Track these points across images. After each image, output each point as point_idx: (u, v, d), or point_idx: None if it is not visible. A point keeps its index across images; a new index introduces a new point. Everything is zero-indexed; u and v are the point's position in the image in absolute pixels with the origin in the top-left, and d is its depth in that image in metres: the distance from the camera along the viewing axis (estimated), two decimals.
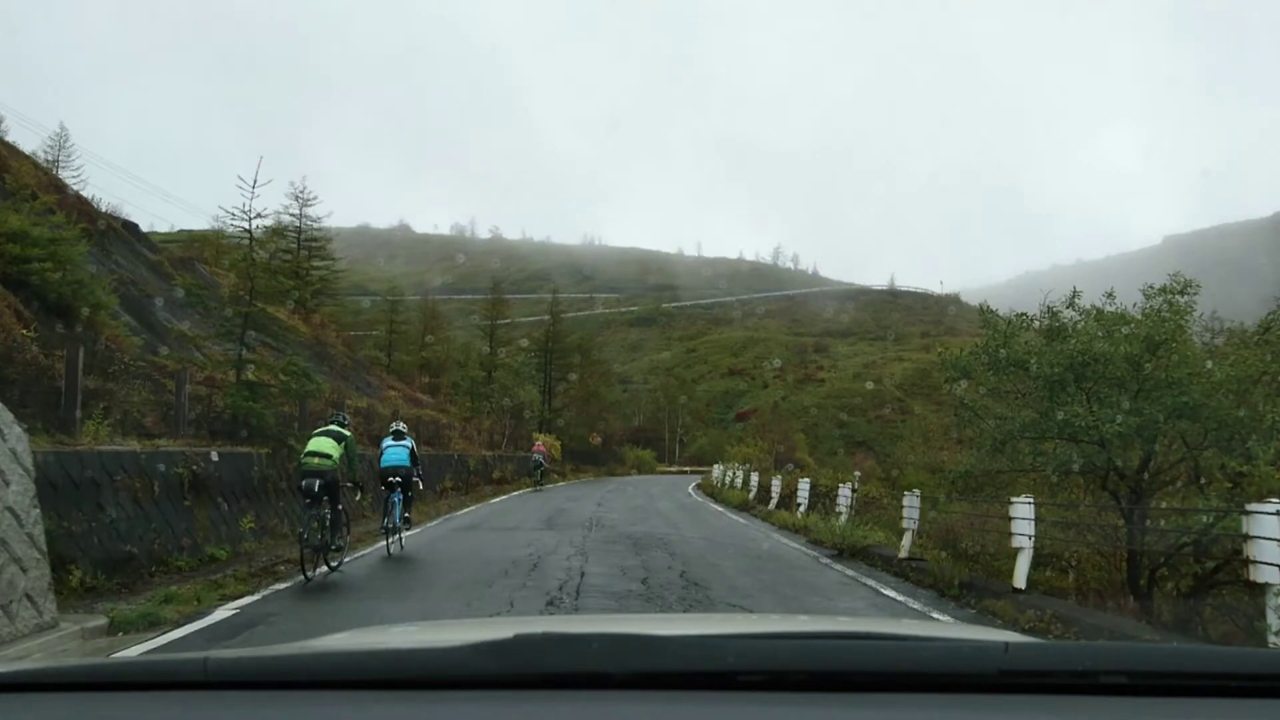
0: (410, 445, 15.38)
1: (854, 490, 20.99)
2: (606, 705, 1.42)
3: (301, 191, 50.97)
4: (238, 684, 1.55)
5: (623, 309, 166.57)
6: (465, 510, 23.70)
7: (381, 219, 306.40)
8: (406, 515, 15.56)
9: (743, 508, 30.10)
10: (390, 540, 14.90)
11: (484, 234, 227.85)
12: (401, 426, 15.87)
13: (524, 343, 68.06)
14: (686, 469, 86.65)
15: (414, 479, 15.40)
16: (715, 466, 51.17)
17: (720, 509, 30.38)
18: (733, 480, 38.92)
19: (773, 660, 1.53)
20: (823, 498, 23.67)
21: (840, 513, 19.92)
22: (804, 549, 17.41)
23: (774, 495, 28.95)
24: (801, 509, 23.59)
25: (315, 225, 51.75)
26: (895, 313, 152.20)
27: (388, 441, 15.59)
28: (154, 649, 7.95)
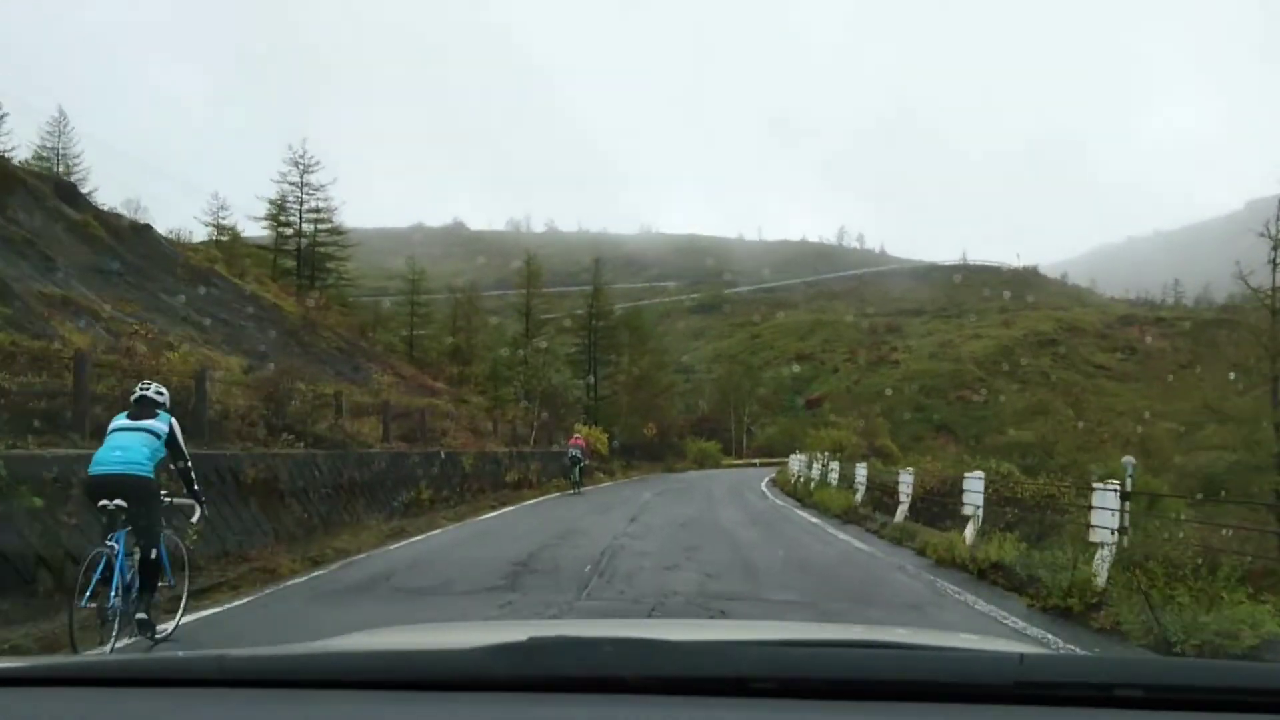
0: (162, 429, 7.35)
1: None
2: (619, 709, 1.41)
3: (302, 156, 43.91)
4: (252, 682, 1.55)
5: (681, 297, 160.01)
6: (408, 541, 14.59)
7: (435, 218, 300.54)
8: (150, 591, 7.29)
9: (849, 518, 21.21)
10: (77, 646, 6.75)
11: (539, 228, 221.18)
12: (152, 391, 7.57)
13: (567, 322, 59.76)
14: (755, 460, 78.66)
15: (158, 500, 7.31)
16: (793, 457, 42.87)
17: (814, 519, 22.04)
18: (823, 475, 30.10)
19: (786, 667, 1.52)
20: (1003, 507, 15.01)
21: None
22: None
23: (903, 499, 19.15)
24: (970, 531, 14.02)
25: (321, 197, 44.60)
26: (969, 289, 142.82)
27: (117, 423, 7.37)
28: None
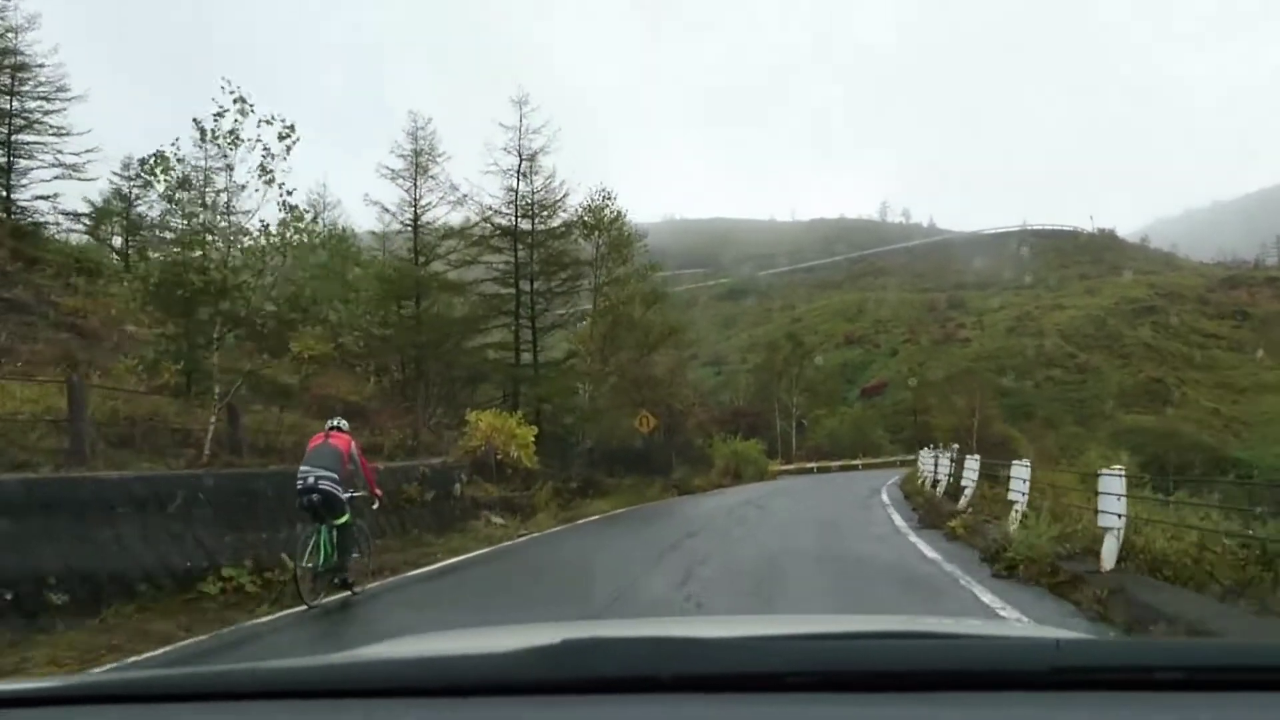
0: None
1: None
2: (655, 709, 1.40)
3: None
4: (285, 693, 1.55)
5: (710, 283, 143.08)
6: None
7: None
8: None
9: None
10: None
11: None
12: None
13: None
14: (811, 465, 58.82)
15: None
16: (928, 465, 25.91)
17: None
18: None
19: (821, 661, 1.50)
20: None
21: None
22: None
23: None
24: None
25: None
26: (1039, 256, 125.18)
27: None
28: None
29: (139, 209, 30.26)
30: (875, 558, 12.91)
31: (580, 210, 33.08)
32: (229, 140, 13.57)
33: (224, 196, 13.87)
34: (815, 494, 29.58)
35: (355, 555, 10.47)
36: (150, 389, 14.86)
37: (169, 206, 14.62)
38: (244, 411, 14.93)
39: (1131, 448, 52.00)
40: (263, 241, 13.61)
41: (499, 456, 20.08)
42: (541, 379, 30.46)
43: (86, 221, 31.85)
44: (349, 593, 10.26)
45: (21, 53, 26.96)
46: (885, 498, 25.29)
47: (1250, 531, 8.63)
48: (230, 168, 13.72)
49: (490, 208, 30.89)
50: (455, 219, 31.19)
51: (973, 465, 18.51)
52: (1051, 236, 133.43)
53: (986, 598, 8.96)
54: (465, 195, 30.25)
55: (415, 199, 28.89)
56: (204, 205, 13.78)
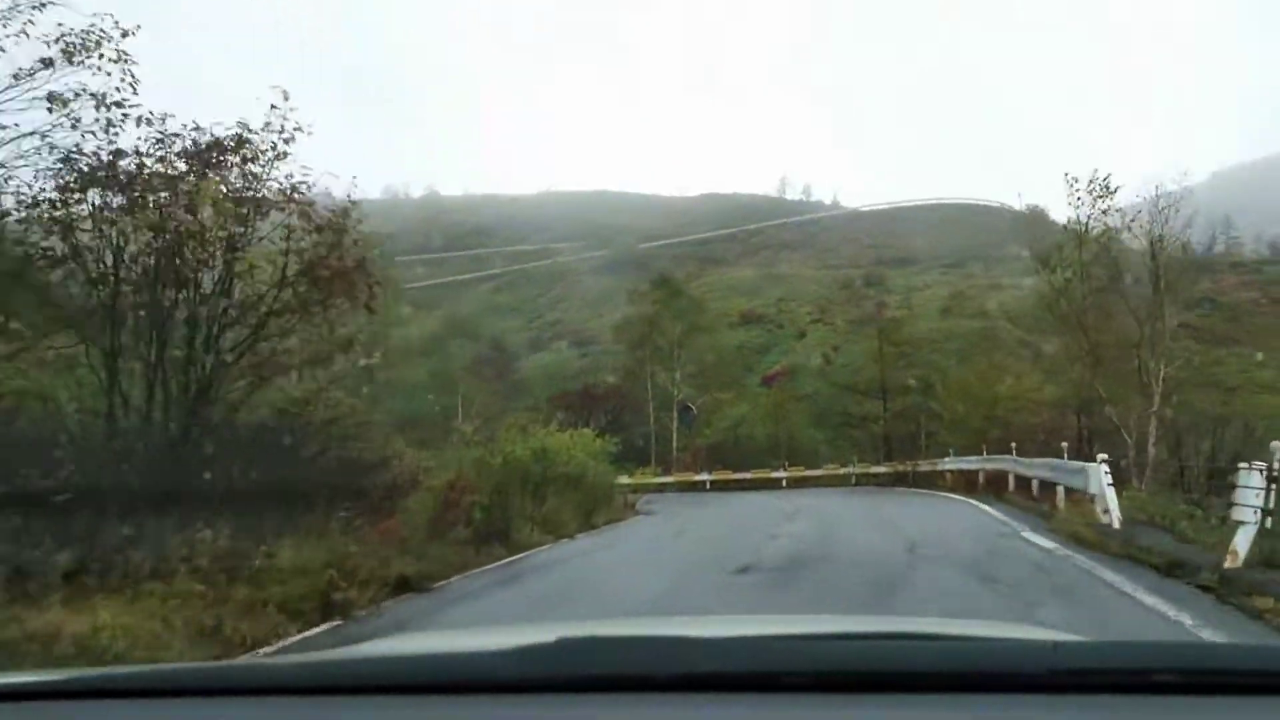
0: None
1: None
2: (651, 708, 1.39)
3: None
4: (284, 690, 1.54)
5: (584, 255, 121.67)
6: None
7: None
8: None
9: None
10: None
11: (419, 193, 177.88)
12: None
13: None
14: (703, 477, 35.78)
15: None
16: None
17: None
18: None
19: (818, 661, 1.48)
20: None
21: None
22: None
23: None
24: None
25: None
26: (969, 232, 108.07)
27: None
28: None
29: None
30: None
31: None
32: None
33: None
34: None
35: None
36: None
37: None
38: None
39: None
40: None
41: None
42: None
43: None
44: None
45: None
46: None
47: None
48: None
49: None
50: None
51: None
52: (978, 212, 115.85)
53: None
54: None
55: None
56: None
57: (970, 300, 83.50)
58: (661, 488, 38.78)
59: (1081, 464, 14.50)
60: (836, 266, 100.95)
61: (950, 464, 29.08)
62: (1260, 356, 72.41)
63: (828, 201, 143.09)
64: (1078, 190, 28.78)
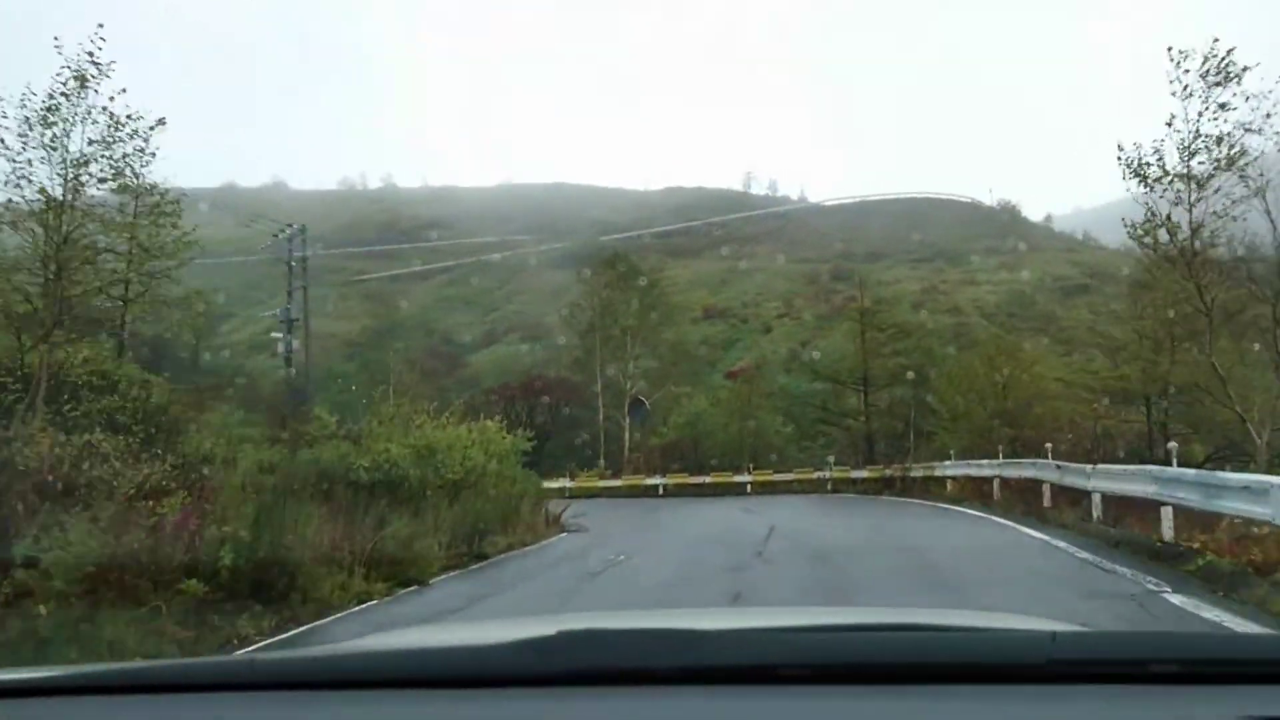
0: None
1: None
2: (649, 701, 1.38)
3: None
4: (281, 684, 1.52)
5: (542, 247, 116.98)
6: None
7: (252, 177, 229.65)
8: None
9: None
10: None
11: (376, 184, 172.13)
12: None
13: None
14: (656, 481, 30.67)
15: None
16: None
17: None
18: None
19: (816, 653, 1.47)
20: None
21: None
22: None
23: None
24: None
25: None
26: (940, 227, 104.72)
27: None
28: None
29: None
30: None
31: None
32: None
33: None
34: None
35: None
36: None
37: None
38: None
39: None
40: None
41: None
42: None
43: None
44: None
45: None
46: None
47: None
48: None
49: None
50: None
51: None
52: (948, 207, 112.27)
53: None
54: None
55: None
56: None
57: (943, 295, 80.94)
58: (608, 492, 33.53)
59: (1247, 477, 9.43)
60: (803, 261, 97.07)
61: (953, 469, 24.36)
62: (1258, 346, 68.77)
63: (794, 197, 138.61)
64: (1185, 71, 17.49)
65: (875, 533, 15.33)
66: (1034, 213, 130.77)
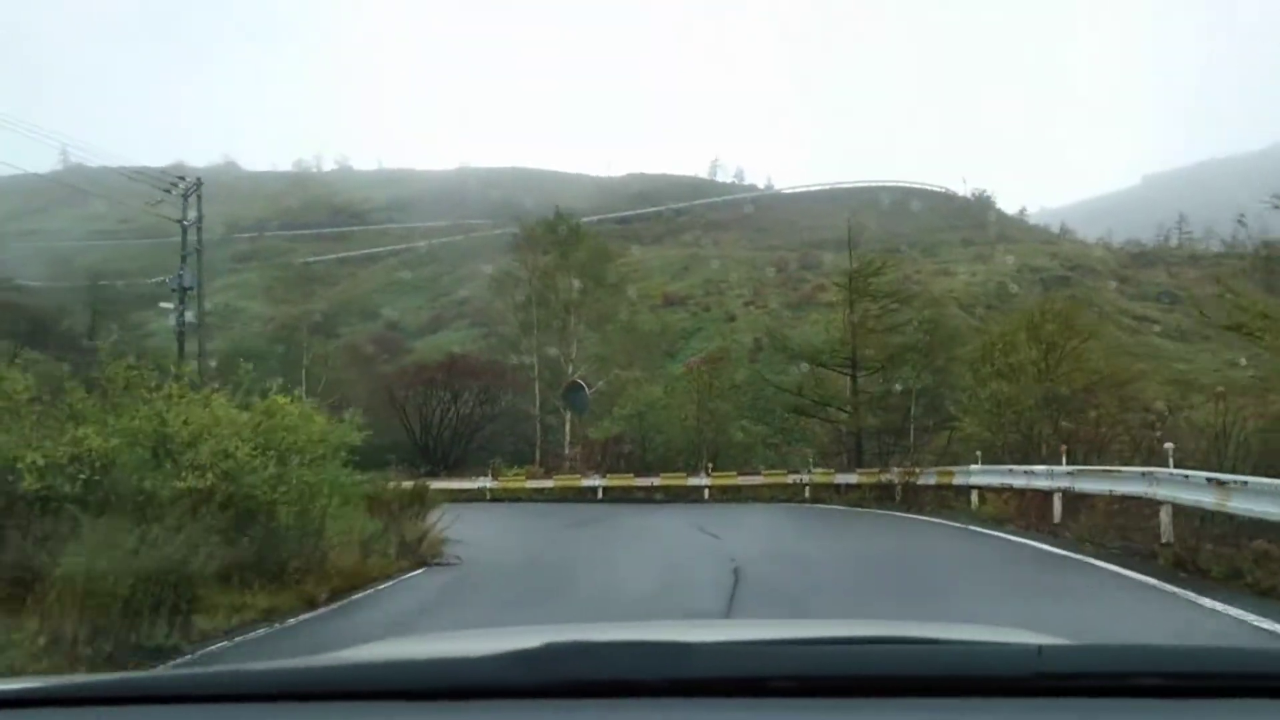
0: None
1: None
2: (637, 713, 1.36)
3: None
4: (265, 696, 1.48)
5: (497, 231, 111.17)
6: None
7: (201, 156, 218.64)
8: None
9: None
10: None
11: (331, 166, 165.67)
12: None
13: None
14: (594, 481, 24.24)
15: None
16: None
17: None
18: None
19: (803, 666, 1.45)
20: None
21: None
22: None
23: None
24: None
25: None
26: (912, 216, 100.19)
27: None
28: None
29: None
30: None
31: None
32: None
33: None
34: None
35: None
36: None
37: None
38: None
39: None
40: None
41: None
42: None
43: None
44: None
45: None
46: None
47: None
48: None
49: None
50: None
51: None
52: (921, 196, 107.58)
53: None
54: None
55: None
56: None
57: (917, 286, 75.66)
58: (537, 496, 27.27)
59: None
60: (771, 248, 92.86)
61: (983, 475, 17.40)
62: (1244, 360, 64.37)
63: (761, 185, 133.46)
64: None
65: (910, 586, 9.01)
66: (1007, 206, 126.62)
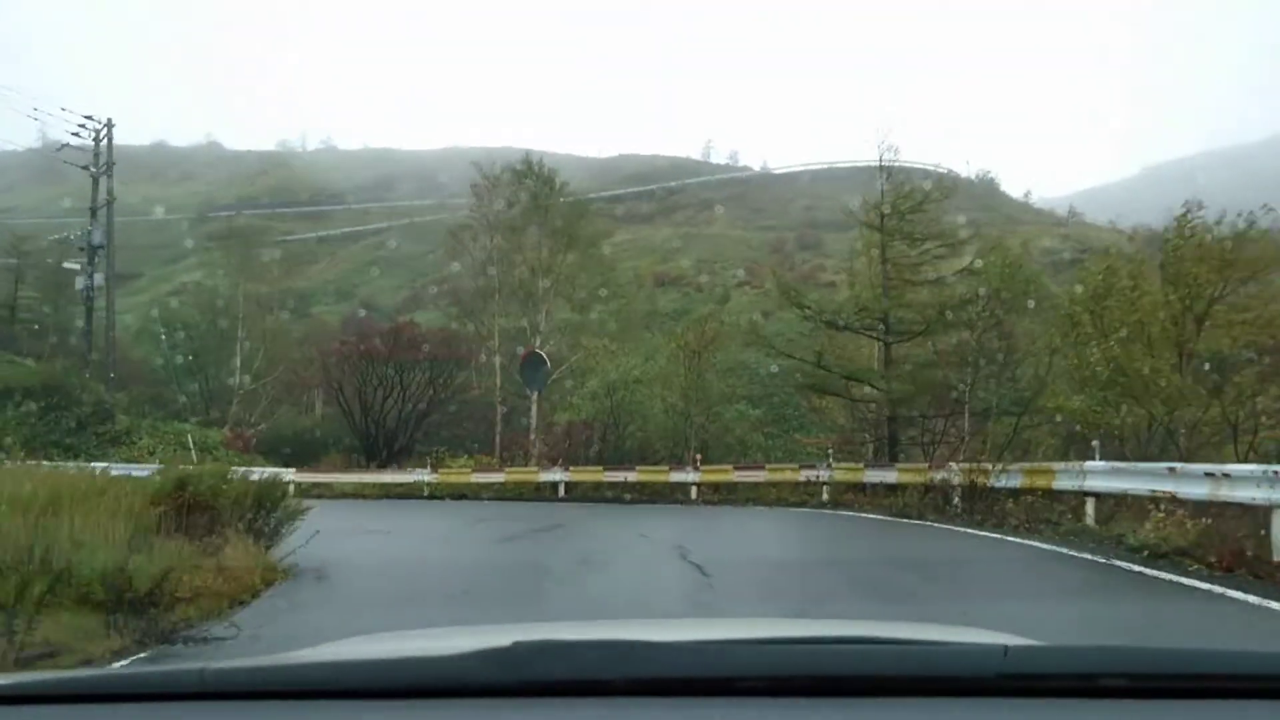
0: None
1: None
2: (606, 712, 1.35)
3: None
4: (235, 694, 1.47)
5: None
6: None
7: (184, 136, 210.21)
8: None
9: None
10: None
11: (315, 146, 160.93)
12: None
13: None
14: (555, 477, 18.43)
15: None
16: None
17: None
18: None
19: (772, 666, 1.45)
20: None
21: None
22: None
23: None
24: None
25: None
26: (910, 197, 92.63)
27: None
28: None
29: None
30: None
31: None
32: None
33: None
34: None
35: None
36: None
37: None
38: None
39: None
40: None
41: None
42: None
43: None
44: None
45: None
46: None
47: None
48: None
49: None
50: None
51: None
52: (926, 177, 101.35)
53: None
54: None
55: None
56: None
57: (925, 267, 70.74)
58: (485, 491, 21.76)
59: None
60: (766, 228, 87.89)
61: (1110, 479, 11.44)
62: None
63: (756, 168, 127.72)
64: None
65: None
66: (1010, 190, 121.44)
